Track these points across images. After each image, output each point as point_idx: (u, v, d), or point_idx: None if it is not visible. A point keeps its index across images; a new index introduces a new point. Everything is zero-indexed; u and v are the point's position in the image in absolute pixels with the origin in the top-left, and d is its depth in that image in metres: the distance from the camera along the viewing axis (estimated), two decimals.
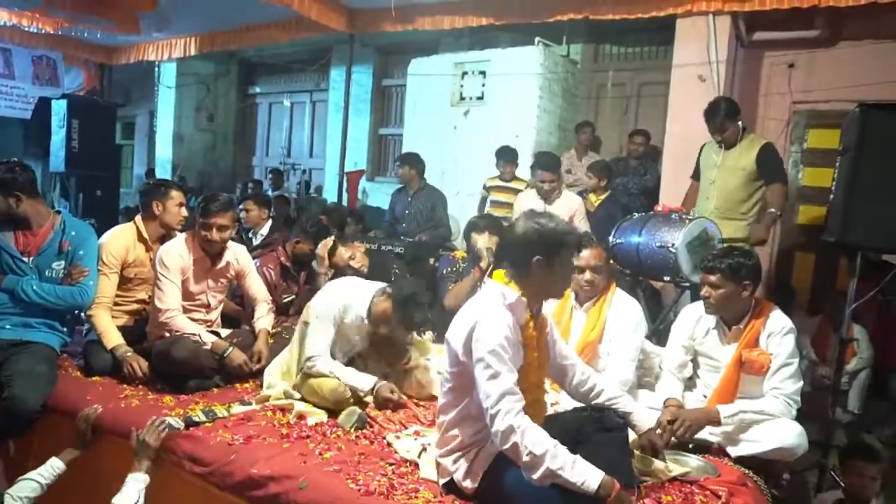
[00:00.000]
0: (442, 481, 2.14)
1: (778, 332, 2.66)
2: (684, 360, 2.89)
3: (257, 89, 9.95)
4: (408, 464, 2.30)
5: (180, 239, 3.23)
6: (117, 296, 3.27)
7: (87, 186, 7.38)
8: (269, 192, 7.55)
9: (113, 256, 3.21)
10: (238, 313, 3.77)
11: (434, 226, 5.32)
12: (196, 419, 2.59)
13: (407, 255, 4.61)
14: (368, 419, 2.67)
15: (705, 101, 4.24)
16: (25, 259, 2.99)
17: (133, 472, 2.35)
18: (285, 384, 2.94)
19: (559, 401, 2.70)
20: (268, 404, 2.82)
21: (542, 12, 5.68)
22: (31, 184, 3.00)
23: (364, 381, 2.82)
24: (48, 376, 2.88)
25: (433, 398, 2.84)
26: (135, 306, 3.37)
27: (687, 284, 3.80)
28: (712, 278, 2.69)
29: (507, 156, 5.42)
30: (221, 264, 3.30)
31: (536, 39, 6.03)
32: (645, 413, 2.38)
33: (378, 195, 7.70)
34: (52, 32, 8.16)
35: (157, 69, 9.77)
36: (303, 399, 2.86)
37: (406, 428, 2.61)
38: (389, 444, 2.47)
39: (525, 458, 1.84)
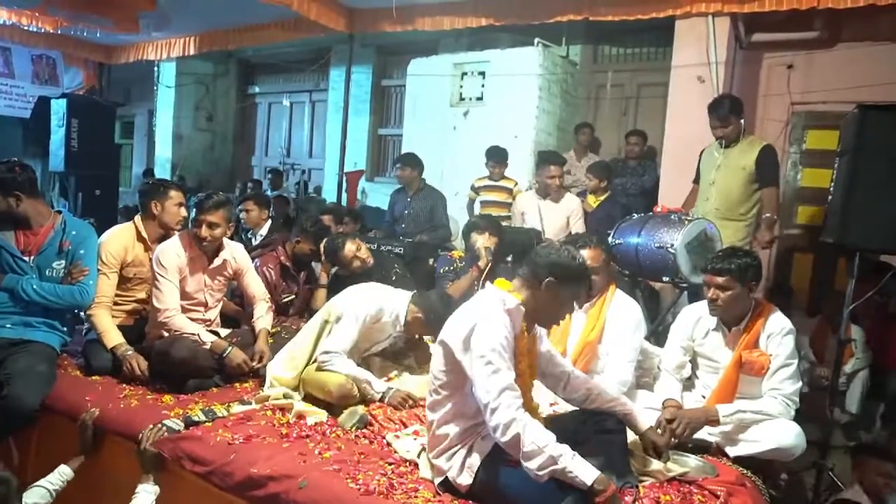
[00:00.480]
0: (437, 480, 2.15)
1: (778, 332, 2.66)
2: (683, 361, 2.90)
3: (257, 89, 9.94)
4: (407, 463, 2.31)
5: (175, 238, 3.23)
6: (117, 295, 3.27)
7: (86, 186, 7.36)
8: (269, 192, 7.55)
9: (112, 256, 3.21)
10: (238, 313, 3.78)
11: (433, 226, 5.33)
12: (195, 419, 2.60)
13: (406, 256, 4.62)
14: (370, 418, 2.67)
15: (704, 103, 4.25)
16: (26, 258, 2.99)
17: (142, 482, 2.37)
18: (291, 374, 2.96)
19: (558, 401, 2.71)
20: (267, 404, 2.82)
21: (542, 13, 5.68)
22: (31, 183, 3.00)
23: (378, 385, 2.84)
24: (48, 375, 2.88)
25: None
26: (134, 306, 3.37)
27: (685, 285, 3.80)
28: (720, 280, 2.67)
29: (496, 156, 5.42)
30: (218, 262, 3.30)
31: (536, 40, 6.04)
32: (644, 413, 2.39)
33: (377, 195, 7.69)
34: (51, 31, 8.16)
35: (156, 69, 9.76)
36: (304, 395, 2.87)
37: (406, 427, 2.61)
38: (389, 444, 2.47)
39: (526, 449, 1.86)
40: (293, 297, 4.15)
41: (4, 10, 7.48)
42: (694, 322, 2.87)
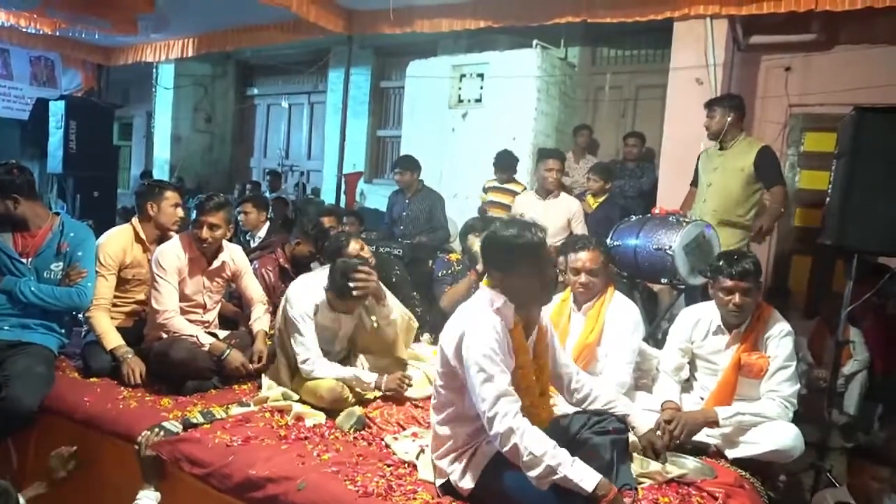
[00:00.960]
0: (439, 482, 2.15)
1: (776, 334, 2.67)
2: (681, 363, 2.90)
3: (255, 91, 9.95)
4: (406, 465, 2.31)
5: (176, 239, 3.23)
6: (115, 297, 3.27)
7: (84, 187, 7.36)
8: (267, 194, 7.55)
9: (110, 258, 3.21)
10: (236, 315, 3.77)
11: (432, 227, 5.32)
12: (194, 421, 2.60)
13: (405, 257, 4.62)
14: (367, 419, 2.68)
15: (702, 105, 4.25)
16: (24, 260, 2.99)
17: (143, 489, 2.37)
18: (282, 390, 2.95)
19: (557, 402, 2.71)
20: (266, 406, 2.82)
21: (540, 15, 5.68)
22: (29, 185, 3.00)
23: (367, 376, 2.85)
24: (46, 377, 2.88)
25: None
26: (133, 307, 3.37)
27: (683, 287, 3.81)
28: (745, 284, 2.63)
29: (503, 163, 5.42)
30: (217, 264, 3.29)
31: (534, 42, 6.05)
32: (643, 415, 2.39)
33: (376, 197, 7.70)
34: (49, 33, 8.17)
35: (154, 70, 9.77)
36: (301, 400, 2.86)
37: (404, 429, 2.61)
38: (387, 446, 2.47)
39: (525, 458, 1.86)
40: None
41: (3, 11, 7.49)
42: (693, 324, 2.87)
